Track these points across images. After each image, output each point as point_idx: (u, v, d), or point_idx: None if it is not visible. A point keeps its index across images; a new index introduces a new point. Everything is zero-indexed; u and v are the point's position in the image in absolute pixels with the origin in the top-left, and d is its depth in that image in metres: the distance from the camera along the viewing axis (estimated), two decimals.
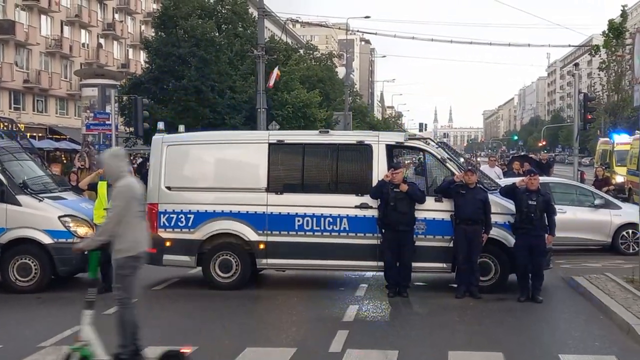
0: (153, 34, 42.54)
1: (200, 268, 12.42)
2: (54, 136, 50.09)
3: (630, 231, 16.08)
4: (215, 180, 12.55)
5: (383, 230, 11.66)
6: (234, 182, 12.35)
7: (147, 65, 40.67)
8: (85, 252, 7.47)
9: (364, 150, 12.24)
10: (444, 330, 9.65)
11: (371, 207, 11.88)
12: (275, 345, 8.76)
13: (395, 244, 11.54)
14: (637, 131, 24.55)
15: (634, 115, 51.53)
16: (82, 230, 11.94)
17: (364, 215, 11.94)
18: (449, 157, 12.51)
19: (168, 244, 12.26)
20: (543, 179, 14.91)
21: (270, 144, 12.43)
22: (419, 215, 11.73)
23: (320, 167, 12.53)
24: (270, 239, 12.09)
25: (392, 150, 12.57)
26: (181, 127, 28.44)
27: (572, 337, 9.25)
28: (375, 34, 61.96)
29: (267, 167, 12.27)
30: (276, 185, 12.23)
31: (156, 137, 13.11)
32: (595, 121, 38.17)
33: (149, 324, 10.18)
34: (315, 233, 12.02)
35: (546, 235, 11.48)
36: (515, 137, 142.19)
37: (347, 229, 11.98)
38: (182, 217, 12.26)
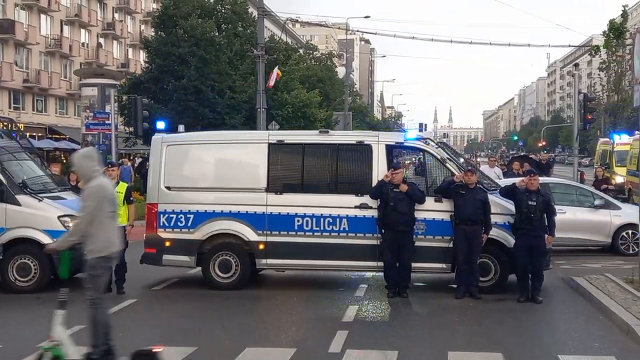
0: (153, 34, 42.51)
1: (199, 268, 12.42)
2: (54, 136, 50.08)
3: (630, 232, 16.08)
4: (215, 180, 12.55)
5: (383, 231, 11.65)
6: (234, 182, 12.35)
7: (146, 65, 40.62)
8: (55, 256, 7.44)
9: (363, 151, 12.24)
10: (443, 330, 9.65)
11: (371, 208, 11.87)
12: (275, 345, 8.76)
13: (395, 244, 11.54)
14: (636, 132, 24.55)
15: (633, 116, 51.57)
16: None
17: (364, 216, 11.93)
18: (448, 157, 12.51)
19: (168, 244, 12.27)
20: (543, 179, 14.92)
21: (270, 144, 12.42)
22: (419, 215, 11.72)
23: (320, 167, 12.53)
24: (270, 239, 12.09)
25: (392, 151, 12.57)
26: (181, 127, 28.39)
27: (572, 337, 9.25)
28: (375, 33, 62.08)
29: (266, 167, 12.26)
30: (276, 185, 12.22)
31: (156, 137, 13.11)
32: (595, 121, 38.17)
33: (148, 324, 10.22)
34: (315, 233, 12.02)
35: (546, 235, 11.48)
36: (515, 138, 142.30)
37: (347, 229, 11.98)
38: (181, 217, 12.25)
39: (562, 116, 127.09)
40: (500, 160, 35.20)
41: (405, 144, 12.79)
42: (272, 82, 31.28)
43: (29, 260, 11.84)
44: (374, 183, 11.88)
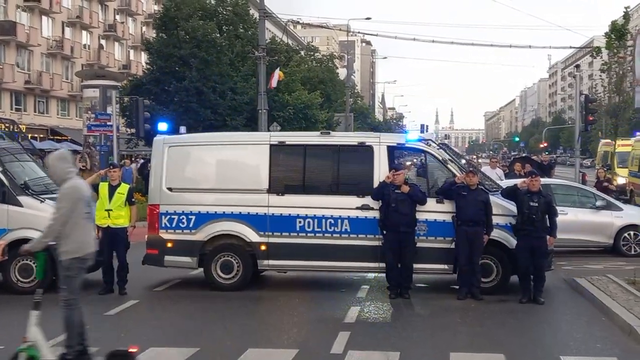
0: (154, 35, 42.49)
1: (201, 269, 12.43)
2: (55, 137, 50.11)
3: (631, 233, 16.10)
4: (216, 182, 12.55)
5: (384, 232, 11.65)
6: (236, 183, 12.35)
7: (148, 67, 40.59)
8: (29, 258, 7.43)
9: (365, 152, 12.24)
10: (445, 331, 9.64)
11: (372, 209, 11.87)
12: (277, 346, 8.75)
13: (397, 245, 11.54)
14: (637, 133, 24.56)
15: (635, 117, 51.61)
16: None
17: (365, 217, 11.93)
18: (450, 158, 12.51)
19: (169, 245, 12.27)
20: (544, 180, 14.92)
21: (271, 145, 12.42)
22: (420, 216, 11.72)
23: (322, 169, 12.54)
24: (272, 240, 12.10)
25: (394, 152, 12.57)
26: (182, 129, 28.41)
27: (574, 338, 9.24)
28: (377, 35, 61.90)
29: (268, 168, 12.26)
30: (277, 186, 12.22)
31: (157, 139, 13.12)
32: (596, 123, 38.16)
33: (150, 325, 10.23)
34: (317, 234, 12.02)
35: (547, 236, 11.47)
36: (517, 139, 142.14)
37: (349, 230, 11.98)
38: (183, 218, 12.26)
39: (563, 117, 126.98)
40: (501, 161, 35.21)
41: (407, 145, 12.80)
42: (274, 84, 31.28)
43: (30, 261, 11.84)
44: (376, 184, 11.87)
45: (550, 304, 11.31)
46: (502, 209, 11.87)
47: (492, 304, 11.18)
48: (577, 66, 31.18)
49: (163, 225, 12.30)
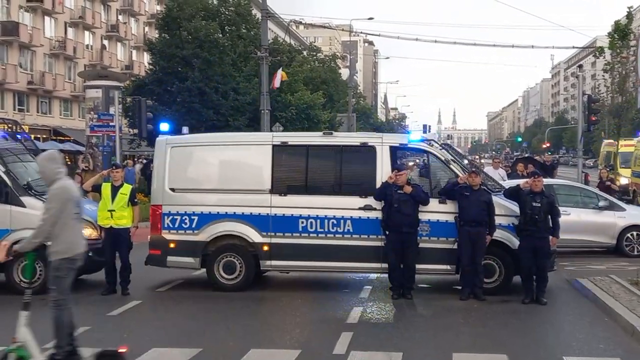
0: (157, 36, 42.53)
1: (204, 269, 12.43)
2: (58, 137, 50.20)
3: (634, 233, 16.07)
4: (219, 182, 12.56)
5: (387, 232, 11.65)
6: (238, 183, 12.36)
7: (150, 67, 40.60)
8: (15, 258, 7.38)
9: (367, 152, 12.23)
10: (448, 332, 9.64)
11: (375, 209, 11.87)
12: (280, 346, 8.75)
13: (399, 245, 11.53)
14: None
15: (638, 117, 51.57)
16: (86, 232, 11.89)
17: (368, 217, 11.93)
18: (452, 158, 12.50)
19: (172, 245, 12.28)
20: (547, 180, 14.89)
21: (274, 146, 12.42)
22: (423, 217, 11.72)
23: (324, 169, 12.54)
24: (274, 240, 12.10)
25: (396, 152, 12.56)
26: (185, 129, 28.43)
27: (577, 339, 9.23)
28: (379, 35, 61.93)
29: (270, 168, 12.27)
30: (280, 186, 12.22)
31: (160, 139, 13.13)
32: (599, 123, 38.07)
33: (153, 325, 10.23)
34: (319, 235, 12.02)
35: (550, 237, 11.46)
36: (519, 139, 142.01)
37: (351, 230, 11.98)
38: (186, 219, 12.27)
39: (566, 117, 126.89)
40: (504, 161, 35.19)
41: (409, 146, 12.79)
42: (277, 84, 31.29)
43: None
44: (378, 184, 11.87)
45: (553, 305, 11.30)
46: (504, 209, 11.86)
47: (494, 305, 11.17)
48: (580, 66, 31.22)
49: (166, 225, 12.31)
